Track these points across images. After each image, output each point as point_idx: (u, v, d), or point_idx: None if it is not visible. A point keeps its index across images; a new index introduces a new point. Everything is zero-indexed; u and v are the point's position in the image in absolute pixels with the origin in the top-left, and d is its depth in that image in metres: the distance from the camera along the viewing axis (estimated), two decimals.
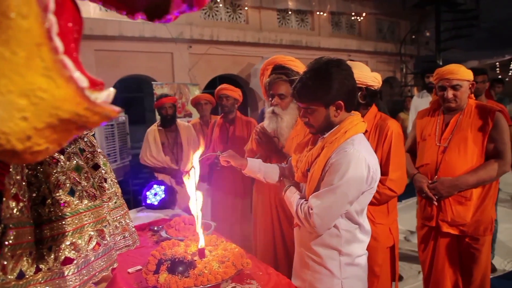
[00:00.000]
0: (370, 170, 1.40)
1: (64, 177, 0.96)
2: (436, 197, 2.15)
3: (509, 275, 3.26)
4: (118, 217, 1.17)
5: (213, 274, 1.48)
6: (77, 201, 0.98)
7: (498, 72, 15.67)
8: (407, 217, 4.19)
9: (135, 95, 7.35)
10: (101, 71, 6.38)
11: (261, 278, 1.62)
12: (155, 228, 2.39)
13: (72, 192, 0.98)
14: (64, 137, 0.38)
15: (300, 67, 2.08)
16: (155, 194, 2.92)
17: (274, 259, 2.29)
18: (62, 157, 0.98)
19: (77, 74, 0.37)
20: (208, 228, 2.18)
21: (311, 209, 1.40)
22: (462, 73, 2.14)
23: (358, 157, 1.36)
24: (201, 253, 1.67)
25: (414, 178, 2.29)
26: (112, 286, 1.45)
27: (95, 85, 0.39)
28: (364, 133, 1.67)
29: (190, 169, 1.70)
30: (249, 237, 2.72)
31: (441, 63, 8.61)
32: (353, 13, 10.04)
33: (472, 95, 2.27)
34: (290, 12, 9.01)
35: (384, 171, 1.80)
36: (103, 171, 1.16)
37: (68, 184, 0.97)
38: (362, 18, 10.25)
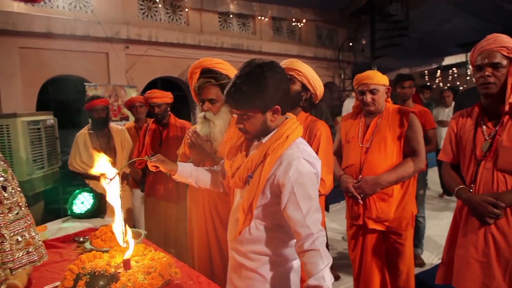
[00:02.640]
0: (317, 174, 1.43)
1: None
2: (361, 195, 2.25)
3: (436, 268, 3.48)
4: (20, 230, 1.04)
5: (137, 287, 1.38)
6: None
7: (426, 79, 16.99)
8: (343, 217, 4.33)
9: (67, 98, 6.88)
10: (26, 71, 5.90)
11: (191, 287, 1.55)
12: (81, 239, 2.22)
13: None
14: None
15: (229, 70, 2.04)
16: (82, 203, 2.72)
17: (210, 266, 2.23)
18: None
19: None
20: (138, 237, 2.07)
21: (312, 234, 1.33)
22: (378, 78, 2.29)
23: (309, 164, 1.37)
24: (126, 264, 1.57)
25: (340, 179, 2.39)
26: None
27: None
28: None
29: (114, 176, 1.60)
30: (186, 244, 2.63)
31: (376, 70, 9.09)
32: (293, 19, 10.30)
33: (389, 99, 2.41)
34: (231, 16, 9.02)
35: None
36: (1, 178, 1.02)
37: None
38: (302, 24, 10.55)
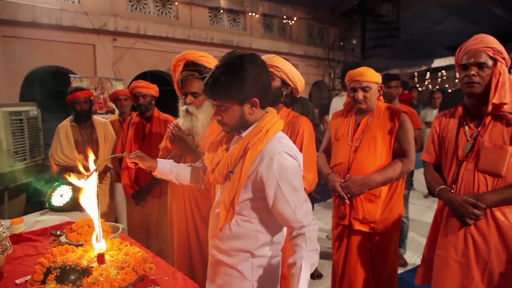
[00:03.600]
0: (300, 167, 1.42)
1: None
2: (348, 195, 2.21)
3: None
4: None
5: (109, 282, 1.35)
6: None
7: (416, 81, 17.15)
8: (329, 215, 4.34)
9: (52, 89, 6.74)
10: (10, 60, 5.75)
11: (166, 283, 1.53)
12: (58, 233, 2.17)
13: None
14: None
15: (213, 63, 2.00)
16: (61, 195, 2.66)
17: (189, 262, 2.20)
18: None
19: None
20: (116, 231, 2.02)
21: (303, 225, 1.34)
22: (370, 75, 2.24)
23: (291, 158, 1.36)
24: (100, 258, 1.53)
25: (328, 177, 2.35)
26: None
27: None
28: None
29: (92, 173, 1.56)
30: (167, 239, 2.59)
31: None
32: (284, 17, 10.26)
33: (381, 97, 2.37)
34: (222, 11, 8.94)
35: None
36: None
37: None
38: (293, 22, 10.52)
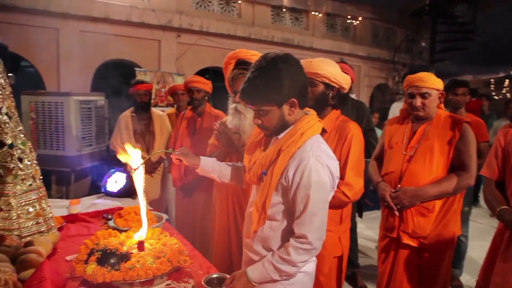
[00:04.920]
0: (332, 175, 1.36)
1: None
2: (398, 206, 2.08)
3: None
4: (31, 201, 1.07)
5: (144, 269, 1.40)
6: None
7: (492, 88, 15.78)
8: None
9: (119, 81, 7.19)
10: (84, 53, 6.21)
11: (199, 277, 1.54)
12: (109, 217, 2.31)
13: None
14: None
15: None
16: (116, 182, 2.82)
17: (228, 258, 2.22)
18: None
19: None
20: (160, 221, 2.10)
21: (306, 238, 1.32)
22: (431, 81, 2.09)
23: (319, 165, 1.31)
24: (140, 246, 1.59)
25: (377, 186, 2.23)
26: (42, 272, 1.35)
27: None
28: (323, 134, 1.59)
29: (138, 167, 1.61)
30: (209, 233, 2.63)
31: (432, 73, 8.59)
32: (349, 16, 9.96)
33: (442, 105, 2.20)
34: (284, 10, 8.90)
35: (341, 175, 1.72)
36: (19, 150, 1.05)
37: None
38: (358, 22, 10.18)
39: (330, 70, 1.79)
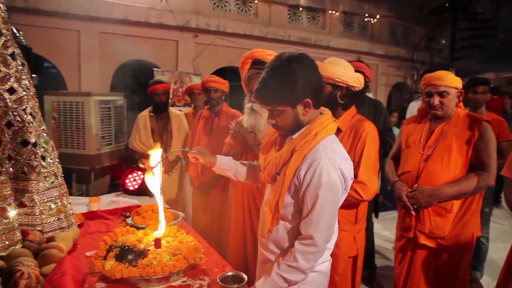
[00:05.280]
0: (345, 178, 1.34)
1: None
2: (415, 206, 2.05)
3: None
4: (53, 198, 1.11)
5: (161, 266, 1.43)
6: None
7: None
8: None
9: (138, 81, 7.31)
10: (104, 54, 6.35)
11: (215, 275, 1.56)
12: (127, 214, 2.35)
13: None
14: None
15: None
16: (134, 180, 2.88)
17: (244, 256, 2.24)
18: None
19: None
20: (176, 219, 2.13)
21: (312, 239, 1.32)
22: (450, 80, 2.04)
23: (331, 166, 1.29)
24: (157, 243, 1.62)
25: (394, 185, 2.21)
26: (63, 267, 1.39)
27: None
28: (338, 134, 1.59)
29: (156, 165, 1.64)
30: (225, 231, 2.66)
31: (453, 72, 8.42)
32: (366, 14, 9.86)
33: (461, 104, 2.16)
34: (301, 9, 8.87)
35: (355, 174, 1.71)
36: (42, 149, 1.10)
37: None
38: (375, 20, 10.06)
39: (334, 70, 1.77)
